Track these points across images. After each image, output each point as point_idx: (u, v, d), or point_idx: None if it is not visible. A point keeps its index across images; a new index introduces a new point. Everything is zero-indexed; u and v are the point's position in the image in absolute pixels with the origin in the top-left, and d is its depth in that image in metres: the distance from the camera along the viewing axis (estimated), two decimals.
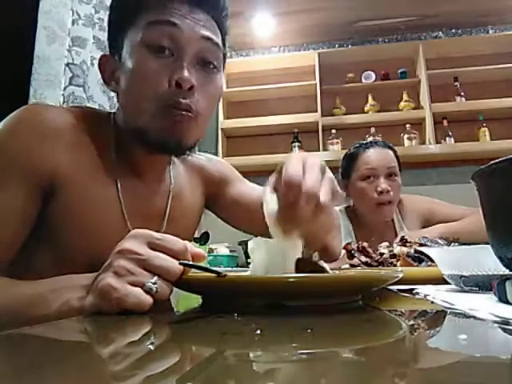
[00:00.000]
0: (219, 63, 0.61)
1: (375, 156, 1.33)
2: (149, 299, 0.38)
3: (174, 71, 0.54)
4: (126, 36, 0.58)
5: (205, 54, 0.58)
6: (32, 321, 0.40)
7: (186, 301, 0.53)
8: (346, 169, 1.39)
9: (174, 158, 0.71)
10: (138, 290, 0.38)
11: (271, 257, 0.46)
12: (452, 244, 0.86)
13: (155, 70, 0.55)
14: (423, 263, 0.76)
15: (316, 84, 2.69)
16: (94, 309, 0.40)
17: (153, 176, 0.67)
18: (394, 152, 1.38)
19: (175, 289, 0.42)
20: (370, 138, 2.54)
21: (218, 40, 0.60)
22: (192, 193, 0.75)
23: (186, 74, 0.54)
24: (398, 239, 0.91)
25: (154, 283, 0.38)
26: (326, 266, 0.47)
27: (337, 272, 0.55)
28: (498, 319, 0.31)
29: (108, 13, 0.63)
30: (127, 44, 0.58)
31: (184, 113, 0.55)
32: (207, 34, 0.57)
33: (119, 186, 0.62)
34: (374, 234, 1.35)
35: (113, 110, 0.68)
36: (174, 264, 0.39)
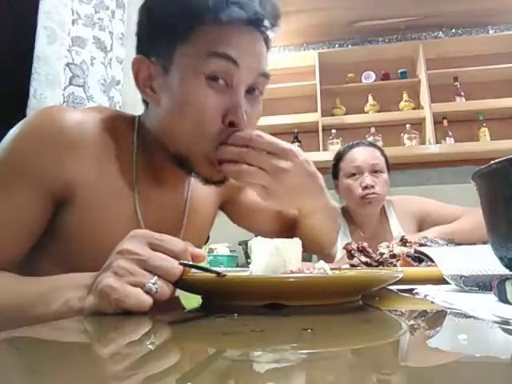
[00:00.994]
0: (265, 87, 0.59)
1: (359, 154, 1.40)
2: (148, 299, 0.38)
3: (230, 109, 0.53)
4: (177, 51, 0.54)
5: (257, 86, 0.58)
6: (32, 320, 0.41)
7: (185, 301, 0.53)
8: (334, 169, 1.47)
9: None
10: (138, 290, 0.38)
11: (271, 257, 0.46)
12: (448, 244, 0.87)
13: (211, 104, 0.52)
14: (423, 263, 0.76)
15: (316, 84, 2.68)
16: (94, 309, 0.40)
17: (172, 186, 0.65)
18: (381, 150, 1.44)
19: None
20: (370, 138, 2.55)
21: (267, 66, 0.58)
22: (207, 200, 0.74)
23: (241, 114, 0.53)
24: (397, 239, 0.91)
25: (154, 283, 0.38)
26: (327, 266, 0.47)
27: (337, 272, 0.55)
28: (497, 319, 0.31)
29: (144, 12, 0.58)
30: (180, 62, 0.53)
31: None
32: (263, 69, 0.56)
33: (137, 198, 0.59)
34: (368, 231, 1.41)
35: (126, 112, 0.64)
36: (173, 264, 0.39)
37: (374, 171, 1.37)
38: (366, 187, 1.33)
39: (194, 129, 0.53)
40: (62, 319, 0.39)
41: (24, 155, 0.53)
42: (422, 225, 1.40)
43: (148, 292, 0.38)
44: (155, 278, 0.39)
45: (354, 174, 1.37)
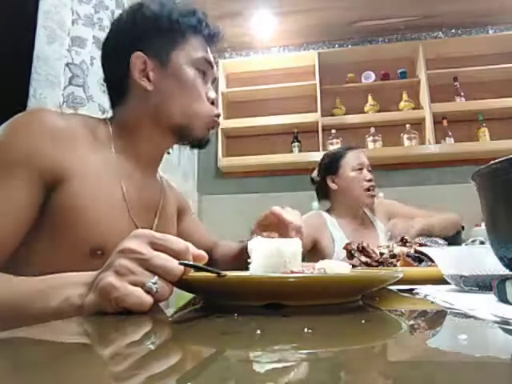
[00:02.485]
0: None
1: (359, 154, 1.65)
2: (149, 299, 0.38)
3: (210, 92, 0.76)
4: (173, 52, 0.71)
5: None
6: (31, 317, 0.41)
7: (182, 301, 0.53)
8: (332, 166, 1.65)
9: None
10: (138, 289, 0.38)
11: (271, 257, 0.46)
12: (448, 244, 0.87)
13: (201, 88, 0.74)
14: (423, 263, 0.76)
15: (316, 84, 2.68)
16: (94, 307, 0.40)
17: (149, 173, 0.77)
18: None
19: (175, 289, 0.42)
20: (370, 138, 2.55)
21: None
22: (173, 197, 0.86)
23: (216, 96, 0.77)
24: (398, 239, 0.91)
25: (155, 283, 0.39)
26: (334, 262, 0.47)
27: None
28: (497, 319, 0.31)
29: (141, 19, 0.71)
30: (177, 60, 0.71)
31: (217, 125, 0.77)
32: (217, 75, 0.81)
33: (122, 176, 0.68)
34: (357, 224, 1.62)
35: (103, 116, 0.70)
36: (174, 264, 0.39)
37: (369, 170, 1.62)
38: (370, 180, 1.57)
39: (195, 103, 0.72)
40: (61, 317, 0.39)
41: (15, 146, 0.58)
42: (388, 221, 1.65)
43: (148, 292, 0.38)
44: (156, 277, 0.39)
45: (357, 169, 1.59)
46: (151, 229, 0.72)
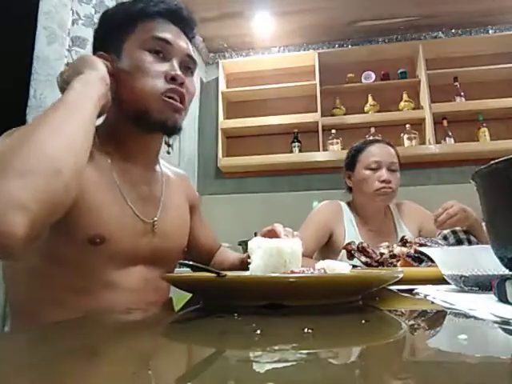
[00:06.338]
0: (194, 71, 0.79)
1: (380, 150, 1.45)
2: None
3: (170, 70, 0.71)
4: (126, 41, 0.72)
5: (187, 65, 0.76)
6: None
7: (185, 301, 0.53)
8: (351, 161, 1.50)
9: (160, 160, 0.83)
10: None
11: (271, 257, 0.46)
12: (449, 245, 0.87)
13: (151, 66, 0.70)
14: (423, 263, 0.76)
15: (316, 84, 2.68)
16: None
17: (144, 163, 0.77)
18: (396, 150, 1.51)
19: (175, 289, 0.42)
20: (370, 138, 2.54)
21: (193, 54, 0.78)
22: (180, 189, 0.86)
23: (179, 72, 0.72)
24: (398, 239, 0.91)
25: None
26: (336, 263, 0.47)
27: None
28: (497, 319, 0.31)
29: (103, 18, 0.76)
30: (129, 48, 0.71)
31: (179, 104, 0.71)
32: (189, 52, 0.76)
33: (114, 172, 0.70)
34: (374, 226, 1.46)
35: None
36: None
37: (391, 169, 1.42)
38: (383, 181, 1.38)
39: (142, 83, 0.70)
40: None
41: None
42: (421, 229, 1.48)
43: None
44: None
45: (372, 168, 1.42)
46: (154, 220, 0.73)
